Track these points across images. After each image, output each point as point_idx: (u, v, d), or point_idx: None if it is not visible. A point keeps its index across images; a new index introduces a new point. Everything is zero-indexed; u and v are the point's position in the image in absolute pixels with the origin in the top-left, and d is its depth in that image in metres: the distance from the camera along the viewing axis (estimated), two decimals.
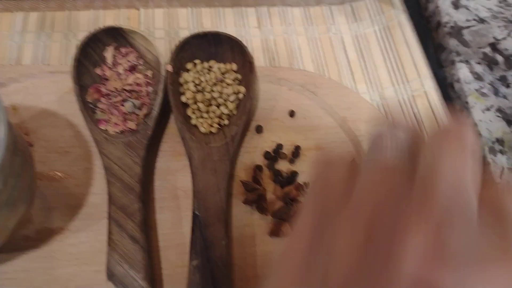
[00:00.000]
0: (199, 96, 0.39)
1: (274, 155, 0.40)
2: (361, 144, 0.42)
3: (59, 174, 0.37)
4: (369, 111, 0.44)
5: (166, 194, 0.38)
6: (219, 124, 0.39)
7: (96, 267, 0.34)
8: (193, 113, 0.39)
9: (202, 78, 0.40)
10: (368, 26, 0.52)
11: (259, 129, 0.41)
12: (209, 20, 0.50)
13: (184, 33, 0.48)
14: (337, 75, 0.48)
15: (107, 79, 0.39)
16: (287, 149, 0.41)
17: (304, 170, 0.40)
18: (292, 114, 0.42)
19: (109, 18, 0.48)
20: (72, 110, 0.40)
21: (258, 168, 0.39)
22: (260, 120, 0.42)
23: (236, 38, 0.40)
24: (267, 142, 0.41)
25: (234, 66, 0.41)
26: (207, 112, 0.39)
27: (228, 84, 0.40)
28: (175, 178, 0.38)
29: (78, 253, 0.34)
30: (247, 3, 0.51)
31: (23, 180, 0.29)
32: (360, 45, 0.51)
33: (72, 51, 0.45)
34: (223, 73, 0.40)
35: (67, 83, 0.41)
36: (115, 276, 0.31)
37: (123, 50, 0.40)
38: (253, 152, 0.41)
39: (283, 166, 0.40)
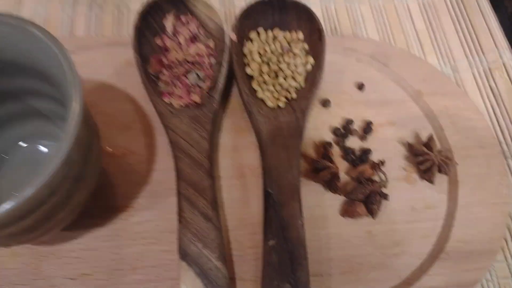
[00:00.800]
0: (264, 68, 0.36)
1: (344, 132, 0.37)
2: (437, 119, 0.38)
3: (121, 150, 0.35)
4: (445, 84, 0.40)
5: (233, 172, 0.35)
6: (286, 98, 0.36)
7: (165, 246, 0.32)
8: (259, 85, 0.36)
9: (267, 48, 0.37)
10: None
11: (326, 103, 0.38)
12: None
13: (240, 2, 0.46)
14: (404, 46, 0.45)
15: (167, 50, 0.36)
16: (357, 125, 0.38)
17: (376, 147, 0.37)
18: (361, 87, 0.39)
19: None
20: (131, 83, 0.38)
21: (327, 145, 0.36)
22: (326, 93, 0.39)
23: (303, 3, 0.37)
24: (335, 118, 0.38)
25: (300, 35, 0.38)
26: (274, 85, 0.36)
27: (295, 55, 0.37)
28: (240, 156, 0.36)
29: (144, 232, 0.33)
30: None
31: (92, 154, 0.27)
32: (428, 13, 0.47)
33: (125, 22, 0.43)
34: (289, 43, 0.38)
35: (124, 55, 0.39)
36: (189, 255, 0.29)
37: (183, 18, 0.37)
38: (320, 128, 0.38)
39: (353, 143, 0.37)
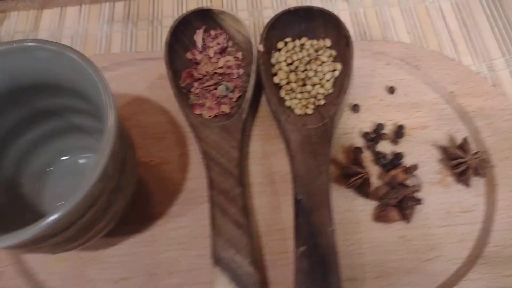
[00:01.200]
0: (292, 76, 0.37)
1: (374, 136, 0.37)
2: (472, 121, 0.37)
3: (156, 159, 0.37)
4: (479, 84, 0.39)
5: (263, 179, 0.36)
6: (314, 105, 0.37)
7: (199, 251, 0.33)
8: (287, 94, 0.37)
9: (295, 57, 0.38)
10: None
11: (355, 108, 0.38)
12: None
13: (268, 13, 0.47)
14: (437, 47, 0.44)
15: (198, 63, 0.38)
16: (388, 129, 0.38)
17: (409, 151, 0.37)
18: (391, 90, 0.39)
19: (191, 2, 0.48)
20: (164, 96, 0.39)
21: (358, 150, 0.36)
22: (356, 98, 0.39)
23: (329, 11, 0.38)
24: (365, 122, 0.38)
25: (327, 42, 0.38)
26: (301, 92, 0.37)
27: (322, 62, 0.37)
28: (270, 162, 0.37)
29: (179, 237, 0.34)
30: None
31: (128, 165, 0.29)
32: (462, 12, 0.46)
33: (158, 38, 0.45)
34: (316, 50, 0.38)
35: (158, 69, 0.41)
36: (222, 261, 0.30)
37: (212, 32, 0.38)
38: (350, 133, 0.38)
39: (385, 147, 0.37)
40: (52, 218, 0.21)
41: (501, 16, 0.44)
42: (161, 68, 0.40)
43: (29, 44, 0.27)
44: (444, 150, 0.36)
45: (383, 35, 0.45)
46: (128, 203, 0.30)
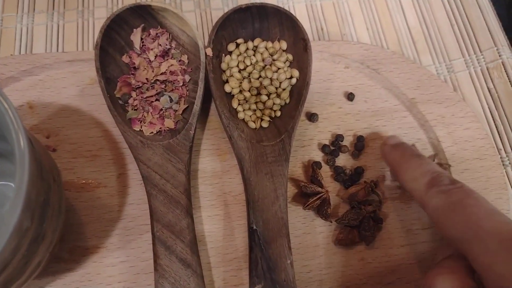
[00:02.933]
0: (245, 84, 0.33)
1: (333, 149, 0.34)
2: (434, 129, 0.36)
3: (89, 182, 0.32)
4: (440, 90, 0.37)
5: (214, 201, 0.32)
6: (270, 117, 0.33)
7: None
8: (240, 104, 0.33)
9: (248, 61, 0.33)
10: None
11: (313, 118, 0.35)
12: None
13: (217, 3, 0.42)
14: (396, 45, 0.41)
15: (136, 68, 0.33)
16: (348, 140, 0.35)
17: (369, 164, 0.34)
18: (350, 97, 0.36)
19: None
20: (97, 105, 0.34)
21: (316, 165, 0.33)
22: (313, 106, 0.36)
23: (285, 10, 0.33)
24: (323, 133, 0.35)
25: (283, 45, 0.34)
26: (256, 102, 0.33)
27: (279, 68, 0.33)
28: (222, 182, 0.33)
29: (119, 275, 0.30)
30: None
31: (52, 207, 0.24)
32: (421, 8, 0.43)
33: (90, 32, 0.39)
34: (271, 54, 0.34)
35: (89, 73, 0.35)
36: None
37: (152, 31, 0.33)
38: (308, 145, 0.35)
39: (344, 160, 0.35)
40: None
41: (461, 14, 0.42)
42: (93, 71, 0.35)
43: None
44: None
45: (341, 32, 0.41)
46: (55, 247, 0.26)
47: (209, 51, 0.32)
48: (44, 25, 0.39)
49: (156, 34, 0.33)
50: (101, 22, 0.39)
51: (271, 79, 0.33)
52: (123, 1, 0.41)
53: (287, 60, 0.34)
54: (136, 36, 0.33)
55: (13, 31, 0.39)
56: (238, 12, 0.33)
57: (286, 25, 0.34)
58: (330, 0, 0.43)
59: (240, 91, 0.33)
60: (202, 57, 0.32)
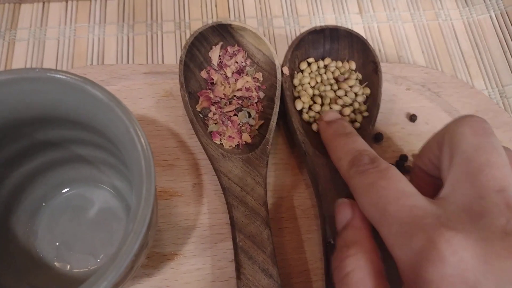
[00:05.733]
0: (318, 99, 0.34)
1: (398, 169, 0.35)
2: None
3: (166, 190, 0.33)
4: (498, 115, 0.38)
5: (284, 214, 0.34)
6: None
7: None
8: (313, 120, 0.34)
9: (319, 79, 0.35)
10: (483, 11, 0.46)
11: (378, 137, 0.36)
12: (305, 6, 0.44)
13: (279, 22, 0.43)
14: (451, 69, 0.43)
15: (213, 84, 0.34)
16: (411, 161, 0.36)
17: None
18: (413, 118, 0.38)
19: (194, 6, 0.43)
20: (172, 117, 0.36)
21: None
22: (378, 125, 0.37)
23: (357, 33, 0.35)
24: (387, 152, 0.37)
25: (352, 65, 0.36)
26: None
27: (350, 87, 0.35)
28: (291, 196, 0.34)
29: (195, 282, 0.31)
30: None
31: (155, 214, 0.25)
32: (474, 33, 0.45)
33: (159, 45, 0.41)
34: (342, 73, 0.35)
35: (163, 85, 0.37)
36: None
37: (230, 49, 0.35)
38: None
39: None
40: None
41: None
42: (167, 84, 0.36)
43: (39, 74, 0.22)
44: None
45: (398, 54, 0.43)
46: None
47: (286, 70, 0.34)
48: (115, 36, 0.41)
49: (233, 51, 0.35)
50: (169, 35, 0.41)
51: (345, 91, 0.34)
52: (189, 16, 0.42)
53: (357, 78, 0.35)
54: (214, 53, 0.34)
55: (86, 40, 0.40)
56: (312, 34, 0.35)
57: (356, 48, 0.36)
58: (386, 23, 0.44)
59: (311, 107, 0.34)
60: (279, 76, 0.33)
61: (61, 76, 0.22)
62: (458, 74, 0.43)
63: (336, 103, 0.34)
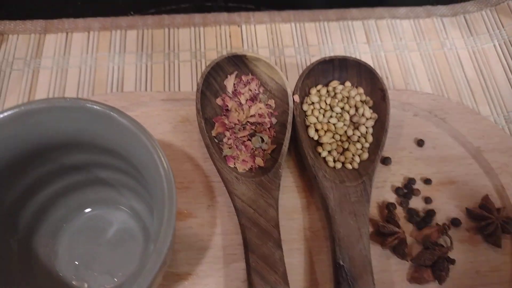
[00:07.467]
0: (331, 127, 0.36)
1: (406, 192, 0.37)
2: (498, 177, 0.38)
3: (181, 211, 0.35)
4: (503, 140, 0.39)
5: (295, 236, 0.35)
6: (354, 160, 0.36)
7: None
8: (323, 148, 0.36)
9: (328, 101, 0.37)
10: (487, 41, 0.47)
11: (387, 161, 0.38)
12: (315, 36, 0.46)
13: (290, 51, 0.45)
14: (456, 95, 0.44)
15: (228, 110, 0.36)
16: (418, 185, 0.37)
17: (438, 207, 0.36)
18: (420, 143, 0.39)
19: (209, 36, 0.45)
20: (188, 141, 0.37)
21: (391, 206, 0.36)
22: (387, 150, 0.38)
23: (365, 63, 0.37)
24: (395, 176, 0.38)
25: (360, 91, 0.37)
26: (338, 146, 0.36)
27: (363, 114, 0.36)
28: (301, 218, 0.35)
29: None
30: (353, 16, 0.47)
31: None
32: (478, 61, 0.46)
33: (176, 73, 0.43)
34: (348, 97, 0.37)
35: (180, 111, 0.38)
36: None
37: (244, 78, 0.37)
38: (381, 187, 0.37)
39: (415, 203, 0.37)
40: None
41: None
42: (183, 110, 0.38)
43: (70, 103, 0.24)
44: (468, 212, 0.36)
45: (405, 81, 0.44)
46: None
47: (297, 98, 0.35)
48: (134, 64, 0.43)
49: (247, 80, 0.36)
50: (185, 64, 0.43)
51: (354, 124, 0.36)
52: (205, 45, 0.45)
53: (365, 101, 0.37)
54: (229, 82, 0.36)
55: (106, 69, 0.43)
56: (322, 64, 0.37)
57: (364, 76, 0.37)
58: (393, 52, 0.46)
59: (324, 134, 0.36)
60: (290, 103, 0.35)
61: (91, 106, 0.23)
62: (464, 100, 0.44)
63: (345, 139, 0.36)
